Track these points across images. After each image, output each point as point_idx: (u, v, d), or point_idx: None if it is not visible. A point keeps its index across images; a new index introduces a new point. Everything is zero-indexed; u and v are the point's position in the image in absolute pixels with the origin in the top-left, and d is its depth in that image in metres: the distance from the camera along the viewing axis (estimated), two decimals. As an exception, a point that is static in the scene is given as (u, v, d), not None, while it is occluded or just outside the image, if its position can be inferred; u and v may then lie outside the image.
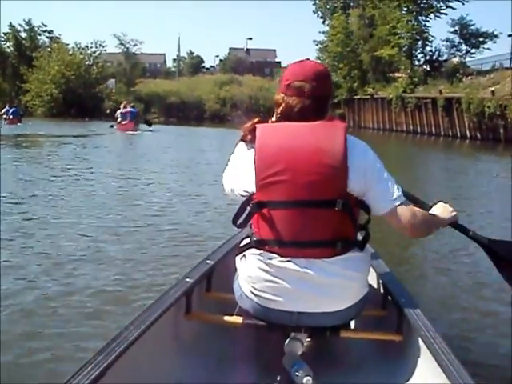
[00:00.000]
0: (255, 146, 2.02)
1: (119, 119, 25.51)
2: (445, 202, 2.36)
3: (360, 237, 2.13)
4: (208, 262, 2.56)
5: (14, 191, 8.12)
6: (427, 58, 36.67)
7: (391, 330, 2.22)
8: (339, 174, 1.94)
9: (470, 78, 30.40)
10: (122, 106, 26.42)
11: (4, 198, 7.40)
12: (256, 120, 2.13)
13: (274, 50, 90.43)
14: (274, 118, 2.16)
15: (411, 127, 32.63)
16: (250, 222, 2.09)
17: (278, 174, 1.96)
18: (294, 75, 2.11)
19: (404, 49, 35.80)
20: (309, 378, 1.99)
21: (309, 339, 2.31)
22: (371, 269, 2.40)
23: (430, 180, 12.97)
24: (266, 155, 1.99)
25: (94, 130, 25.15)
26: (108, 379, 1.56)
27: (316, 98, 2.06)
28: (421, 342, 1.97)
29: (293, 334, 2.13)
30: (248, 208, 2.06)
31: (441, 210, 2.31)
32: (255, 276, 2.05)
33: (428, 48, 36.92)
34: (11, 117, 28.71)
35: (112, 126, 25.69)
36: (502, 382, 2.96)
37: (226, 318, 2.25)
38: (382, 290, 2.50)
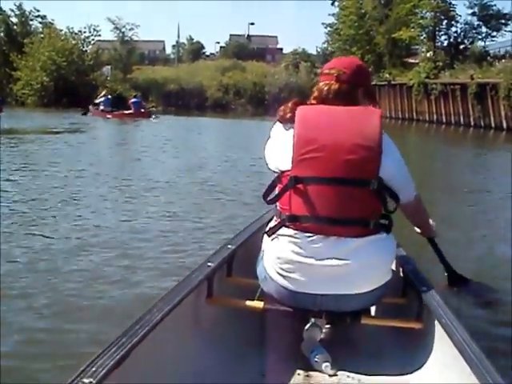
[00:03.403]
0: (295, 123, 2.11)
1: (101, 107, 26.79)
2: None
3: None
4: (229, 246, 2.58)
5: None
6: (451, 40, 33.53)
7: (411, 317, 2.23)
8: (374, 156, 2.03)
9: (503, 61, 27.49)
10: (102, 93, 28.35)
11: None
12: (295, 101, 2.23)
13: (276, 37, 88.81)
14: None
15: (435, 116, 29.63)
16: (277, 203, 2.15)
17: (316, 150, 2.02)
18: (328, 65, 2.35)
19: (426, 30, 32.76)
20: (327, 363, 2.05)
21: (328, 326, 2.32)
22: (394, 259, 2.40)
23: (454, 175, 10.96)
24: (306, 131, 2.07)
25: (85, 122, 22.36)
26: (131, 360, 1.59)
27: (343, 81, 2.22)
28: (441, 330, 1.97)
29: (313, 319, 2.14)
30: (279, 185, 2.13)
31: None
32: (284, 256, 2.08)
33: (453, 29, 33.72)
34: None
35: (85, 114, 26.42)
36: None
37: (247, 302, 2.29)
38: (402, 278, 2.52)
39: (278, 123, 2.24)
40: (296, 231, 2.06)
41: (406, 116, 32.28)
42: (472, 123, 26.72)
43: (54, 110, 30.73)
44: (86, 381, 1.40)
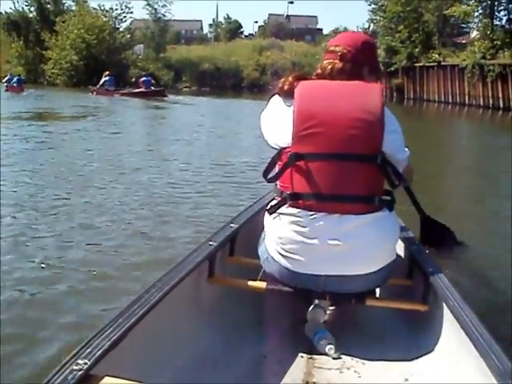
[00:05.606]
0: (295, 97, 2.01)
1: (105, 86, 26.56)
2: None
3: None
4: (232, 225, 2.51)
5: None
6: (511, 16, 30.45)
7: (417, 299, 2.19)
8: (377, 131, 1.95)
9: None
10: (105, 73, 27.47)
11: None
12: (295, 74, 2.13)
13: (316, 17, 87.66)
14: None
15: (491, 101, 26.91)
16: (278, 181, 2.08)
17: (317, 125, 1.95)
18: (333, 42, 2.22)
19: (483, 5, 29.92)
20: (331, 346, 2.00)
21: (332, 307, 2.30)
22: (398, 238, 2.31)
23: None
24: (306, 106, 1.99)
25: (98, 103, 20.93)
26: (129, 341, 1.54)
27: (347, 60, 2.12)
28: (447, 312, 1.94)
29: (316, 301, 2.13)
30: (279, 162, 2.05)
31: None
32: (285, 236, 2.02)
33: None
34: (15, 85, 26.98)
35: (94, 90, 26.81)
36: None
37: (249, 282, 2.24)
38: (408, 260, 2.46)
39: (276, 96, 2.14)
40: (297, 209, 1.98)
41: (456, 100, 29.61)
42: (535, 109, 24.14)
43: (81, 89, 29.74)
44: (80, 362, 1.34)
